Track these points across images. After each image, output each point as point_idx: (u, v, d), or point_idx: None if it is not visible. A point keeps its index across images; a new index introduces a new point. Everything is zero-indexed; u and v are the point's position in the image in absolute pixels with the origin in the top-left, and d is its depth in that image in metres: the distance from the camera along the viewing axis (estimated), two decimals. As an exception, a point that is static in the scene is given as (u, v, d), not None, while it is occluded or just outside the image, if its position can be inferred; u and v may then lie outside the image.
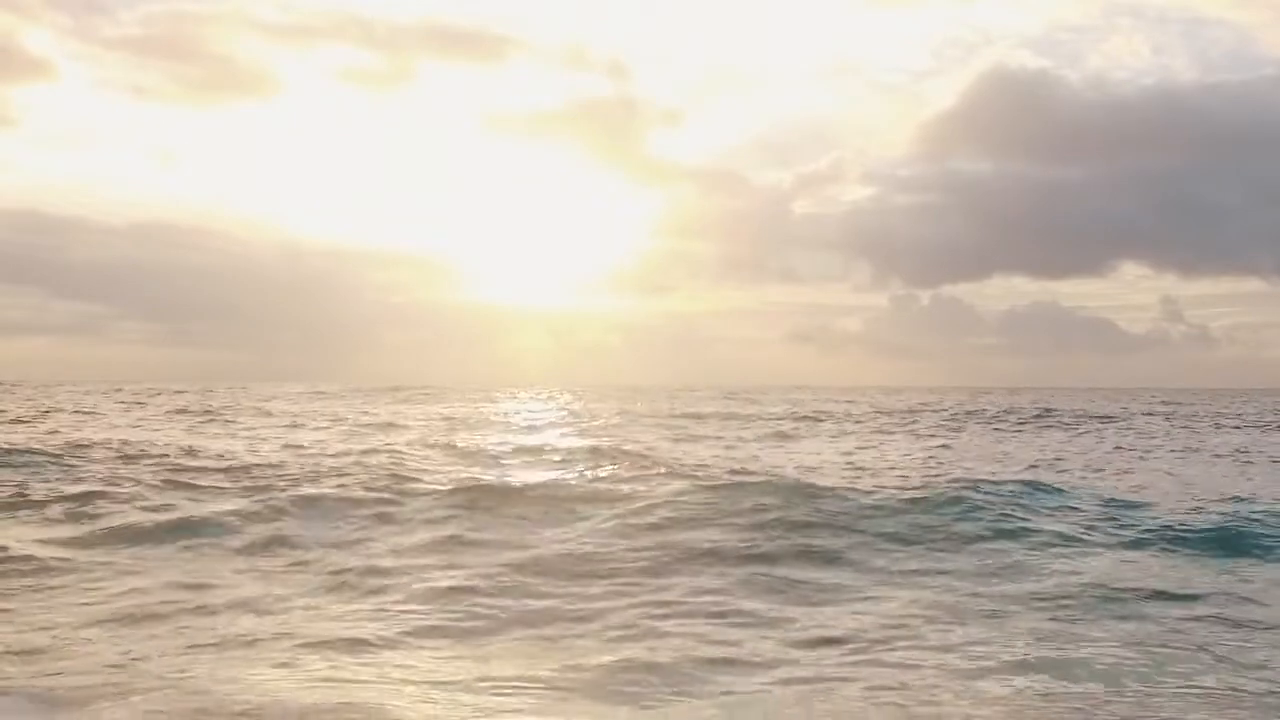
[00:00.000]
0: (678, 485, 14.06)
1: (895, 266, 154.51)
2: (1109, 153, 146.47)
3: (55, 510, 12.92)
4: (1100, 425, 36.96)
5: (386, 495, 13.83)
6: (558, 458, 20.58)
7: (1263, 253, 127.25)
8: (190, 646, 7.24)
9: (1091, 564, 10.45)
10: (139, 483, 15.00)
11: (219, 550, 10.99)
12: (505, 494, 13.80)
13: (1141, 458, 24.08)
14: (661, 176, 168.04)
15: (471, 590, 8.99)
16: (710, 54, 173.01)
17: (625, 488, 14.14)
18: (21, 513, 12.87)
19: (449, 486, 14.31)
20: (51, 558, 10.23)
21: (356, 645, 7.27)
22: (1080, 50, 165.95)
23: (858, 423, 36.91)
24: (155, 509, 13.00)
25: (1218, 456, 24.60)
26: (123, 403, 45.94)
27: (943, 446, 26.92)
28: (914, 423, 37.23)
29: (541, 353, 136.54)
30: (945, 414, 42.90)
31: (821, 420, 38.19)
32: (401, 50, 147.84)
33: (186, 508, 13.04)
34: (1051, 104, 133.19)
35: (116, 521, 12.23)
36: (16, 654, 7.03)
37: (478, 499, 13.50)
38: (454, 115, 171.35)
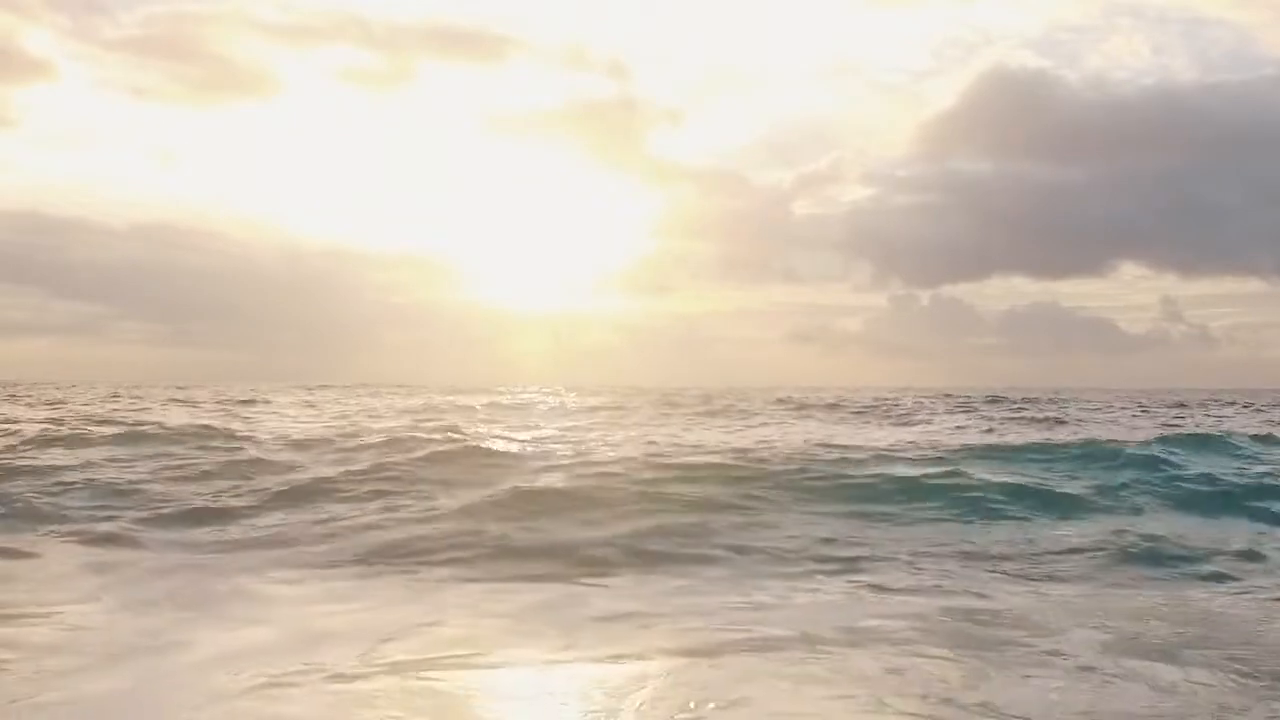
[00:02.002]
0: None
1: (895, 266, 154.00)
2: (1109, 153, 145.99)
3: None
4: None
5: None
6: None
7: (1263, 253, 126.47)
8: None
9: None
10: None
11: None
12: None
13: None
14: (662, 177, 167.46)
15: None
16: (710, 54, 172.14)
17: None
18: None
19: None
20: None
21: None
22: (1080, 50, 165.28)
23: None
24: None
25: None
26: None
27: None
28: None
29: (542, 353, 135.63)
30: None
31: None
32: (401, 50, 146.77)
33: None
34: (1051, 104, 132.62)
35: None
36: None
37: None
38: (454, 115, 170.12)
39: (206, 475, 14.00)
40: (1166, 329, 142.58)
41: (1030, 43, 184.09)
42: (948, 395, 62.60)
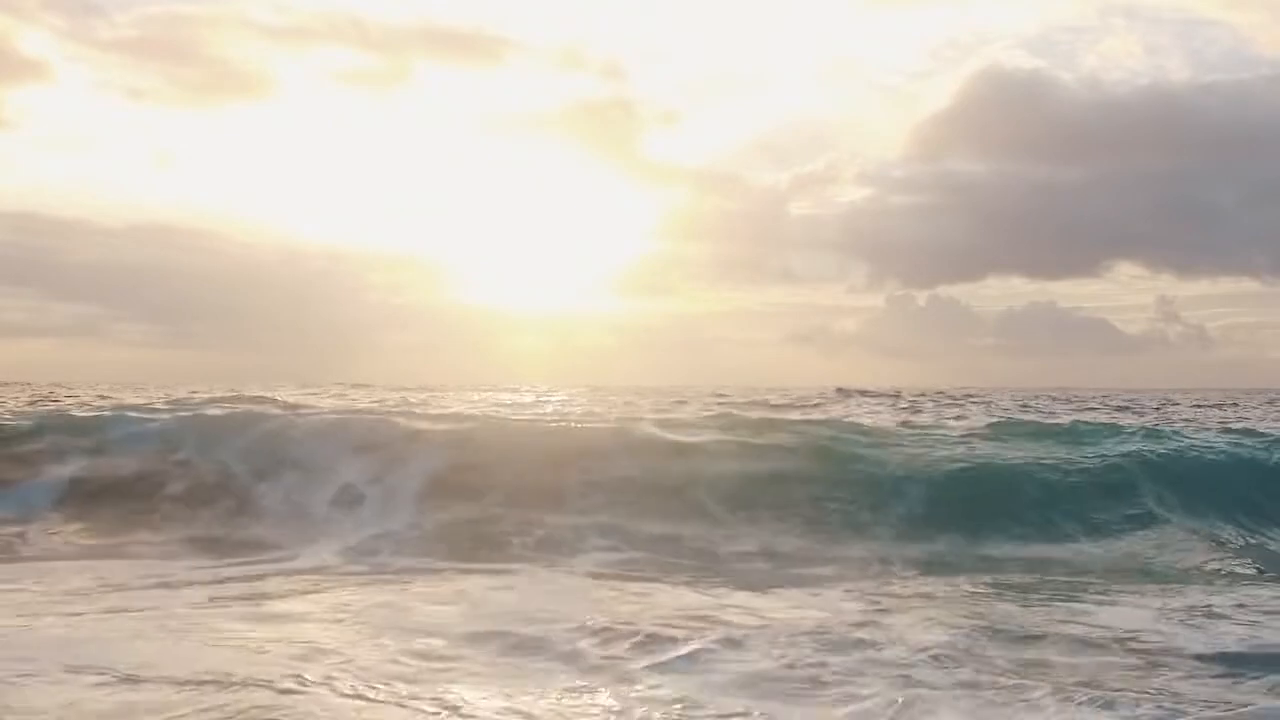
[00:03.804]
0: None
1: (892, 267, 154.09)
2: (1104, 153, 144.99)
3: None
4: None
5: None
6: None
7: (1259, 253, 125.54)
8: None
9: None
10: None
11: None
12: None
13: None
14: (659, 178, 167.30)
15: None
16: (706, 55, 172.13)
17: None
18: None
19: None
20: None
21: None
22: (1075, 51, 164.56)
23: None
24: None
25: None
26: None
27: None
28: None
29: (540, 354, 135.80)
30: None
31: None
32: (398, 52, 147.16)
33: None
34: (1047, 104, 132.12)
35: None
36: None
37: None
38: (451, 117, 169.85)
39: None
40: (1163, 329, 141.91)
41: (1025, 43, 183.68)
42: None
